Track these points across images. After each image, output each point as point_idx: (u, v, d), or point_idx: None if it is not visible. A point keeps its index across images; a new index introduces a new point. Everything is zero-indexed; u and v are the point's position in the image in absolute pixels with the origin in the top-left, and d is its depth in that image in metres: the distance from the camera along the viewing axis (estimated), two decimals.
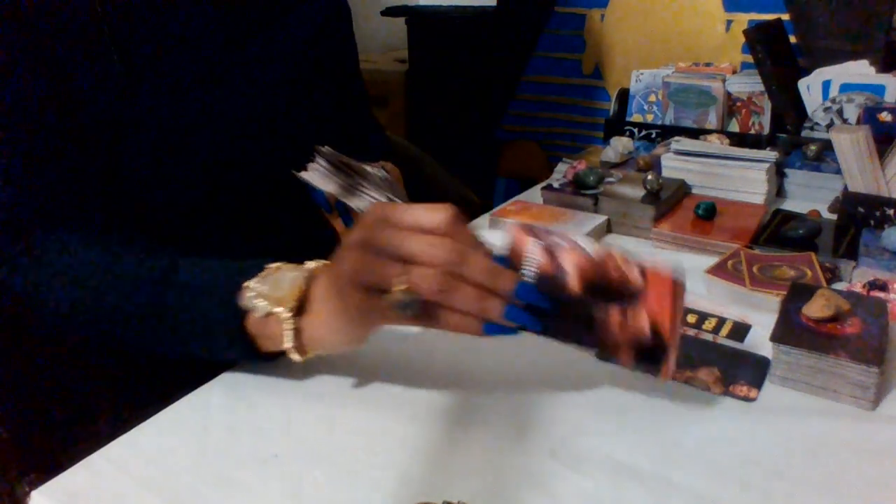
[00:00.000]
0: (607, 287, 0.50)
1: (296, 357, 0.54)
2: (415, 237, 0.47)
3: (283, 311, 0.52)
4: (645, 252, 0.86)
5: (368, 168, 0.75)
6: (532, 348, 0.64)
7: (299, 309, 0.52)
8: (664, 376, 0.51)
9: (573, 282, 0.49)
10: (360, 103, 0.94)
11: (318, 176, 0.72)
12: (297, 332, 0.52)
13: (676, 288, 0.51)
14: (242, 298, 0.54)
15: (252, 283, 0.54)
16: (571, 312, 0.50)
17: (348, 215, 0.74)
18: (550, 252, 0.50)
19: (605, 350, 0.51)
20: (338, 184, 0.72)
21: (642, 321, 0.50)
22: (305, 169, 0.72)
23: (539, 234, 0.51)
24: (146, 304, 0.58)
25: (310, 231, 0.77)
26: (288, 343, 0.52)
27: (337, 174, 0.72)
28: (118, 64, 0.63)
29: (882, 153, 0.85)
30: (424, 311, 0.48)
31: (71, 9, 0.61)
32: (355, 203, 0.72)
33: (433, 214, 0.47)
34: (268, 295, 0.53)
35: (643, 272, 0.51)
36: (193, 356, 0.58)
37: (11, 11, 0.59)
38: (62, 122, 0.62)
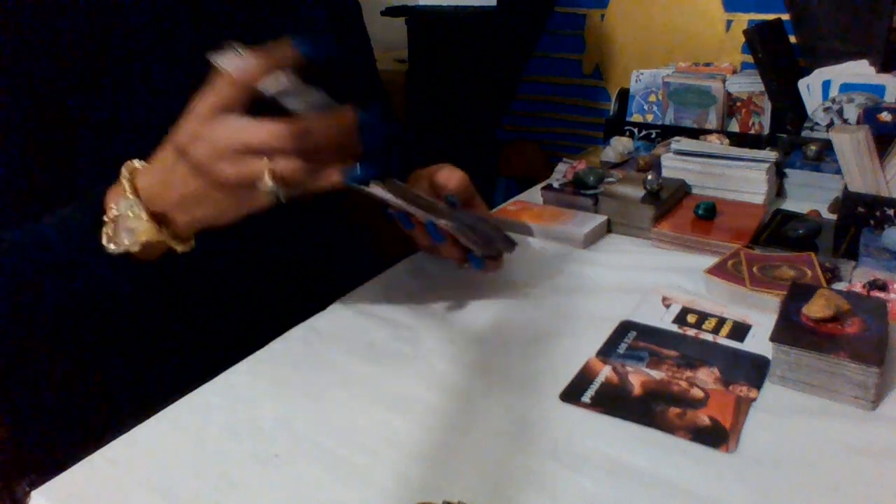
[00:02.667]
0: None
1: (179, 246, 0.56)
2: (254, 127, 0.49)
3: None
4: (645, 252, 0.86)
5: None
6: (532, 348, 0.64)
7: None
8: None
9: None
10: (375, 101, 0.92)
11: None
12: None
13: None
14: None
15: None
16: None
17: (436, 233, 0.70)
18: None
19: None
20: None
21: None
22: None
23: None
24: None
25: (315, 232, 0.77)
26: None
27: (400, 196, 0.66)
28: (115, 64, 0.63)
29: (882, 153, 0.85)
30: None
31: (70, 15, 0.61)
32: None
33: (271, 131, 0.49)
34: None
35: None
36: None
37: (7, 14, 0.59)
38: (42, 128, 0.61)
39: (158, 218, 0.55)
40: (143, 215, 0.54)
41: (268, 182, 0.49)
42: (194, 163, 0.51)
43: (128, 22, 0.63)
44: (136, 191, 0.54)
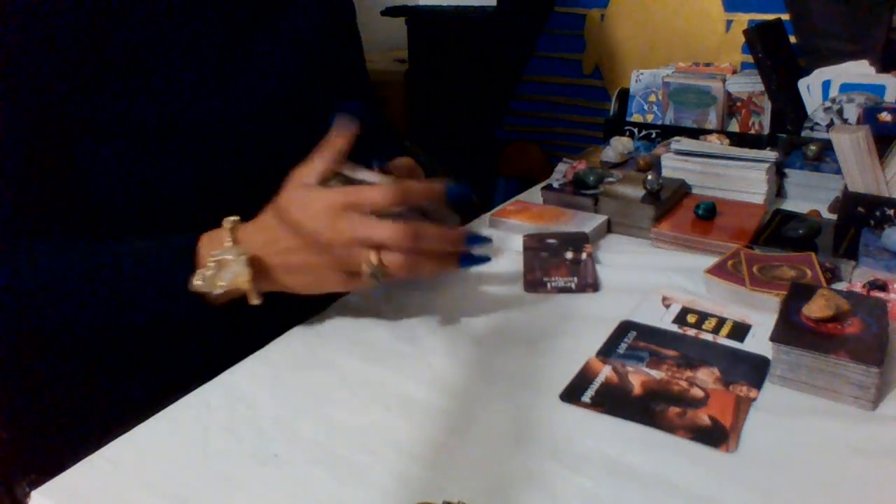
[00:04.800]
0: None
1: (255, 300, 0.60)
2: (377, 228, 0.57)
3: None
4: (645, 252, 0.86)
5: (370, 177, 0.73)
6: (532, 348, 0.64)
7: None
8: None
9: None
10: (366, 101, 0.93)
11: None
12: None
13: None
14: (193, 285, 0.59)
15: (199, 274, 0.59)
16: None
17: None
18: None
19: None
20: None
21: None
22: None
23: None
24: (99, 274, 0.62)
25: None
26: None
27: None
28: (118, 66, 0.63)
29: (882, 153, 0.85)
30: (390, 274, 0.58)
31: (70, 14, 0.61)
32: None
33: (382, 193, 0.58)
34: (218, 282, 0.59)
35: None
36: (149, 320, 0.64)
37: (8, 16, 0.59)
38: (44, 128, 0.62)
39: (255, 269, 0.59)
40: (245, 263, 0.59)
41: (374, 270, 0.57)
42: (316, 243, 0.58)
43: (129, 23, 0.63)
44: (236, 241, 0.59)
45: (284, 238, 0.60)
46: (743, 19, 1.64)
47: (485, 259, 0.66)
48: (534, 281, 0.76)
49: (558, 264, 0.78)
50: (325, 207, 0.57)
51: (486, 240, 0.67)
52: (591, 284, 0.75)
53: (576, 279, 0.76)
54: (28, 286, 0.62)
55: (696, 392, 0.57)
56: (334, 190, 0.59)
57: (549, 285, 0.75)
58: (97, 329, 0.67)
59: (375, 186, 0.60)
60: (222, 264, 0.59)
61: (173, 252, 0.62)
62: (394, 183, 0.61)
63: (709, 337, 0.65)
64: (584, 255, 0.80)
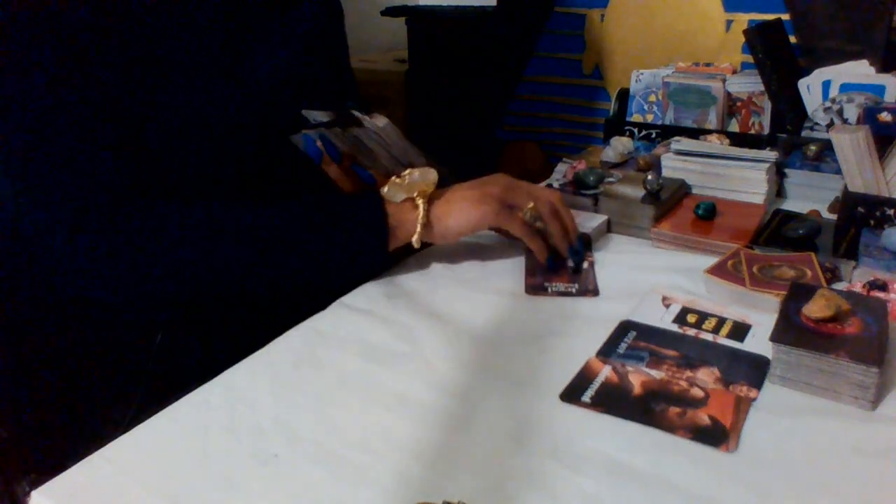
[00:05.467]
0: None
1: (417, 241, 0.73)
2: (538, 189, 0.80)
3: (418, 197, 0.73)
4: (645, 252, 0.86)
5: (363, 119, 0.81)
6: (532, 348, 0.64)
7: (430, 198, 0.74)
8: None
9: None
10: (351, 96, 0.97)
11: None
12: (427, 216, 0.73)
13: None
14: (382, 190, 0.73)
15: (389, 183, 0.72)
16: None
17: (361, 168, 0.85)
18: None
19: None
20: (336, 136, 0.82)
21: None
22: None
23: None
24: (292, 223, 0.70)
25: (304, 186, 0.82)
26: (422, 220, 0.72)
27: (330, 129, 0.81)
28: (138, 60, 0.65)
29: (882, 153, 0.85)
30: (533, 228, 0.77)
31: (99, 14, 0.63)
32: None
33: (548, 191, 0.81)
34: (405, 185, 0.73)
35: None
36: (332, 267, 0.72)
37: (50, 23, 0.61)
38: (100, 111, 0.64)
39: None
40: (424, 196, 0.73)
41: (527, 211, 0.77)
42: (489, 191, 0.76)
43: (135, 22, 0.66)
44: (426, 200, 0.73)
45: (462, 188, 0.76)
46: (743, 19, 1.64)
47: (564, 265, 0.79)
48: (534, 285, 0.76)
49: (559, 270, 0.79)
50: (506, 180, 0.78)
51: (579, 254, 0.80)
52: (591, 290, 0.75)
53: (576, 285, 0.76)
54: (213, 239, 0.66)
55: (696, 392, 0.57)
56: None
57: (549, 289, 0.75)
58: (292, 277, 0.71)
59: (553, 191, 0.82)
60: (409, 183, 0.72)
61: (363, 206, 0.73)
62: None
63: (709, 337, 0.65)
64: (585, 265, 0.80)
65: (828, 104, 1.17)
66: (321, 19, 0.85)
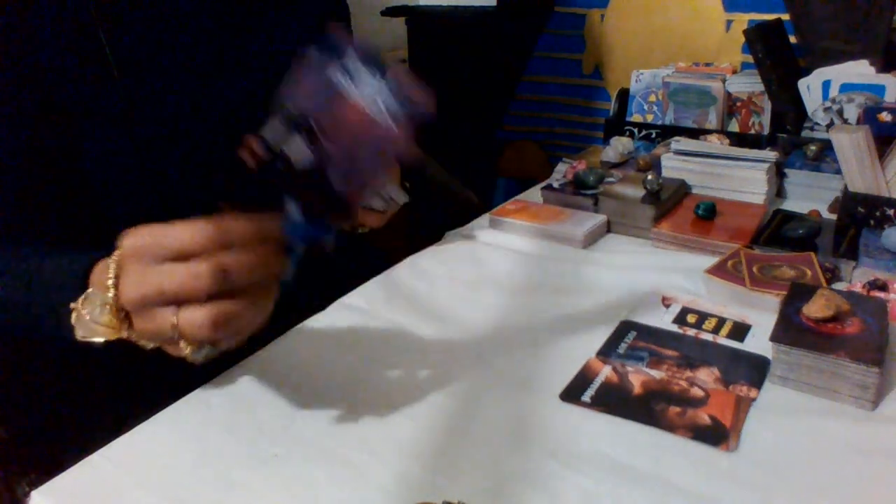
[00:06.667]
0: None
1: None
2: (175, 271, 0.44)
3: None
4: (645, 252, 0.86)
5: None
6: (532, 348, 0.64)
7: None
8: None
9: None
10: None
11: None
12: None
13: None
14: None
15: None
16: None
17: None
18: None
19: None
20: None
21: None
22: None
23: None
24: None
25: None
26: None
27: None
28: (113, 63, 0.63)
29: (882, 153, 0.85)
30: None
31: (67, 10, 0.61)
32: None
33: (189, 234, 0.45)
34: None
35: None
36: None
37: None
38: (44, 124, 0.61)
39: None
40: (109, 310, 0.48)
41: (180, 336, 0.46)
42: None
43: (131, 15, 0.64)
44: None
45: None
46: (743, 19, 1.64)
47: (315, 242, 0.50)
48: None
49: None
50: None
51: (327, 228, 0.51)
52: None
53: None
54: None
55: (696, 392, 0.57)
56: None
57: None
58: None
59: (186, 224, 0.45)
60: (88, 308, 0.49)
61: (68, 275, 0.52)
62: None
63: (709, 337, 0.65)
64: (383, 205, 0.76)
65: (828, 104, 1.17)
66: (323, 19, 0.84)
